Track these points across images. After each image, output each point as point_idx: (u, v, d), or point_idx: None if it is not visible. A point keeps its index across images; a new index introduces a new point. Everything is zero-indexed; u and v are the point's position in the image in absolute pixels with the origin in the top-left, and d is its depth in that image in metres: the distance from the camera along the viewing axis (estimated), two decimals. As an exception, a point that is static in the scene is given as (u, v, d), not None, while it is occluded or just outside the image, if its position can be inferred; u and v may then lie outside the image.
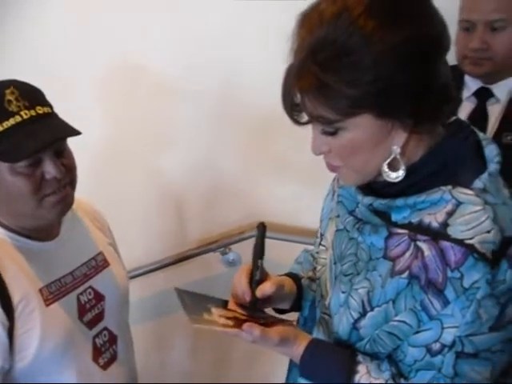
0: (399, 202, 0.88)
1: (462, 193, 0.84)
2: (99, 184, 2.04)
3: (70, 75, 2.08)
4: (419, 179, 0.89)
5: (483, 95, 1.63)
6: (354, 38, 0.78)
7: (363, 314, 0.91)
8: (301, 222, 2.10)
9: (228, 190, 2.19)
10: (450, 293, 0.81)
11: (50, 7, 2.05)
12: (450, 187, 0.85)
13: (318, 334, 1.02)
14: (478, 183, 0.85)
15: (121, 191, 2.21)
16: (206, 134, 2.13)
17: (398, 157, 0.87)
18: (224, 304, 1.05)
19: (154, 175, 2.21)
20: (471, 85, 1.65)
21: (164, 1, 1.99)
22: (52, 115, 1.16)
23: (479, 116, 1.63)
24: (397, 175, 0.88)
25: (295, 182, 2.08)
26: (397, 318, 0.87)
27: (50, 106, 1.17)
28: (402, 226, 0.88)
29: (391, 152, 0.87)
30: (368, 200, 0.93)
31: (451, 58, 1.67)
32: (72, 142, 1.20)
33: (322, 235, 1.14)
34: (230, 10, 1.94)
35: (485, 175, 0.86)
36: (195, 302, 1.03)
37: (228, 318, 0.97)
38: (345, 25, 0.79)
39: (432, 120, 0.86)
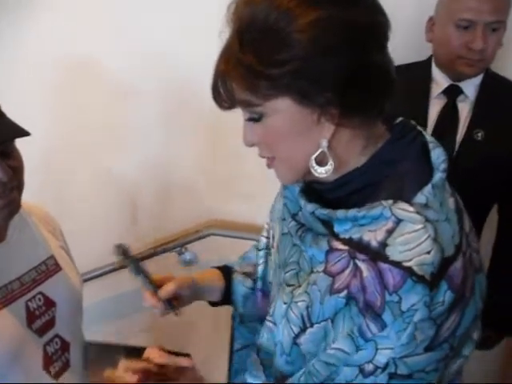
0: (340, 214, 0.84)
1: (403, 209, 0.79)
2: (48, 185, 1.99)
3: (19, 74, 2.00)
4: (359, 188, 0.86)
5: (453, 92, 1.62)
6: (274, 15, 0.76)
7: (303, 329, 0.87)
8: (256, 219, 2.06)
9: (182, 189, 2.16)
10: (387, 316, 0.77)
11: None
12: (390, 202, 0.80)
13: (263, 339, 0.97)
14: (421, 197, 0.80)
15: (72, 192, 2.15)
16: (158, 132, 2.09)
17: (326, 150, 0.83)
18: (137, 353, 1.00)
19: (106, 175, 2.16)
20: (440, 81, 1.63)
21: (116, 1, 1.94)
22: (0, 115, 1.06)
23: (450, 113, 1.62)
24: (325, 170, 0.84)
25: (251, 179, 2.05)
26: (334, 346, 0.82)
27: None
28: (343, 241, 0.84)
29: (318, 145, 0.83)
30: (310, 207, 0.90)
31: (423, 53, 1.69)
32: (20, 142, 1.10)
33: (273, 237, 1.10)
34: (182, 9, 1.91)
35: (428, 188, 0.81)
36: (102, 354, 0.99)
37: (135, 372, 0.95)
38: (267, 2, 0.77)
39: (361, 112, 0.82)
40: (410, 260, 0.76)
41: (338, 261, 0.83)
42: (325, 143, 0.82)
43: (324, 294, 0.83)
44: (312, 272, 0.88)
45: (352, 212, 0.82)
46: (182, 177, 2.14)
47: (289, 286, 0.93)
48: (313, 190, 0.93)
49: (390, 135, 0.87)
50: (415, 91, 1.65)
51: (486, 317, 1.70)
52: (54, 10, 1.95)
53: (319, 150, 0.83)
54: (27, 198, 1.17)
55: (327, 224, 0.87)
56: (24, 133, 1.05)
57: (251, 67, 0.78)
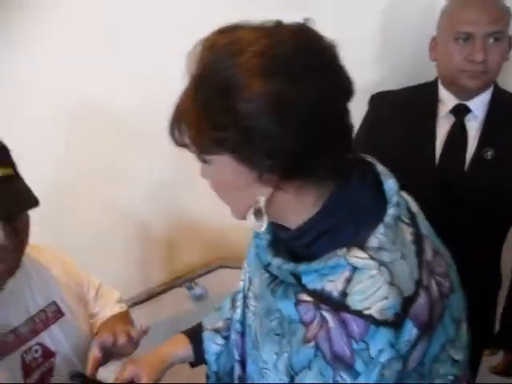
0: (302, 268, 0.85)
1: (357, 257, 0.80)
2: (55, 223, 1.90)
3: (18, 111, 1.93)
4: (316, 237, 0.86)
5: (460, 112, 1.60)
6: (229, 77, 0.76)
7: (292, 378, 0.88)
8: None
9: (191, 222, 2.13)
10: (359, 365, 0.78)
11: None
12: (344, 251, 0.81)
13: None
14: (373, 240, 0.81)
15: (75, 229, 2.06)
16: (165, 164, 2.05)
17: (262, 208, 0.84)
18: None
19: (112, 210, 2.10)
20: (447, 101, 1.61)
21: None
22: (13, 178, 1.03)
23: (458, 133, 1.59)
24: (259, 225, 0.85)
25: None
26: None
27: (12, 166, 1.05)
28: (308, 292, 0.85)
29: (257, 201, 0.84)
30: (277, 262, 0.91)
31: (427, 74, 1.67)
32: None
33: (250, 280, 1.09)
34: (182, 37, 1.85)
35: (380, 229, 0.82)
36: None
37: None
38: (228, 59, 0.76)
39: (302, 178, 0.82)
40: (370, 308, 0.78)
41: (307, 312, 0.84)
42: (262, 202, 0.83)
43: (299, 344, 0.85)
44: (291, 321, 0.88)
45: (313, 265, 0.83)
46: (191, 209, 2.11)
47: (276, 335, 0.92)
48: (276, 237, 0.95)
49: (339, 179, 0.86)
50: (422, 112, 1.63)
51: (503, 340, 1.71)
52: (50, 45, 1.91)
53: (257, 205, 0.84)
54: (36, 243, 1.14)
55: (295, 276, 0.87)
56: (34, 202, 1.03)
57: (198, 122, 0.79)
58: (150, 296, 2.07)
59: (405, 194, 0.94)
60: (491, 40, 1.49)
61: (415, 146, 1.61)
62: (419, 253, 0.85)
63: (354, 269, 0.80)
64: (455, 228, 1.51)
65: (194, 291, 2.11)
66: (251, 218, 0.85)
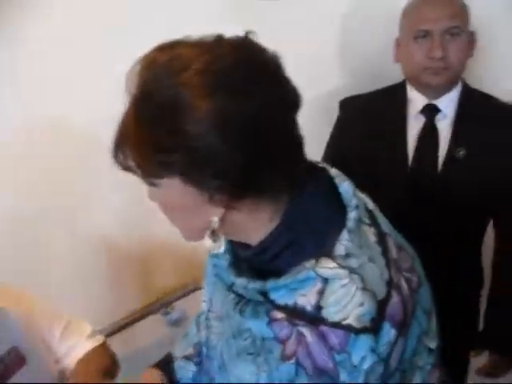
0: (270, 285, 0.83)
1: (326, 267, 0.80)
2: (22, 252, 1.83)
3: None
4: (278, 252, 0.84)
5: (430, 112, 1.59)
6: (172, 96, 0.73)
7: None
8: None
9: (165, 245, 2.05)
10: (343, 375, 0.78)
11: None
12: (313, 262, 0.80)
13: None
14: (340, 248, 0.81)
15: (47, 257, 1.97)
16: (136, 188, 1.97)
17: (216, 229, 0.82)
18: None
19: (83, 238, 2.01)
20: (416, 101, 1.61)
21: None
22: None
23: (429, 133, 1.59)
24: (217, 246, 0.84)
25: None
26: None
27: None
28: (280, 309, 0.83)
29: (210, 222, 0.82)
30: (241, 282, 0.88)
31: (393, 77, 1.67)
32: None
33: (210, 300, 1.07)
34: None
35: (344, 236, 0.81)
36: None
37: None
38: (170, 78, 0.74)
39: (253, 196, 0.81)
40: (347, 317, 0.77)
41: (281, 329, 0.82)
42: (216, 223, 0.81)
43: (279, 361, 0.83)
44: (264, 339, 0.86)
45: (281, 281, 0.81)
46: (162, 230, 2.04)
47: (249, 354, 0.90)
48: (236, 256, 0.93)
49: (293, 191, 0.84)
50: (392, 114, 1.63)
51: (487, 339, 1.69)
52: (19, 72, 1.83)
53: (211, 227, 0.82)
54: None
55: (263, 293, 0.85)
56: None
57: (142, 145, 0.76)
58: (126, 324, 1.99)
59: (359, 193, 0.92)
60: (449, 36, 1.50)
61: (387, 148, 1.61)
62: (385, 252, 0.85)
63: (325, 280, 0.79)
64: (430, 229, 1.54)
65: (170, 316, 2.02)
66: (208, 240, 0.83)
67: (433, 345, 0.92)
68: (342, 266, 0.79)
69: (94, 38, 1.74)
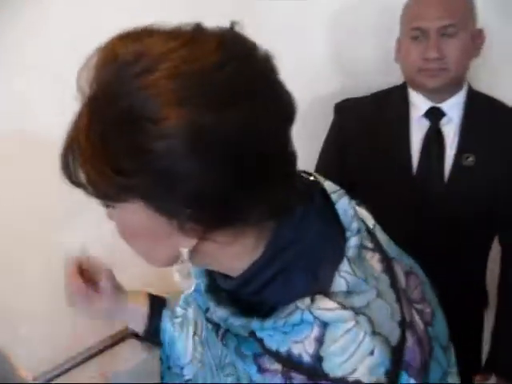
0: (255, 325, 0.69)
1: (324, 309, 0.65)
2: None
3: None
4: (264, 283, 0.70)
5: (435, 115, 1.49)
6: (132, 104, 0.57)
7: None
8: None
9: (138, 265, 1.93)
10: None
11: None
12: (308, 302, 0.66)
13: None
14: (340, 283, 0.66)
15: (20, 281, 1.81)
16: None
17: (187, 262, 0.67)
18: None
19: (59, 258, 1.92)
20: (419, 104, 1.51)
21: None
22: None
23: (434, 139, 1.49)
24: (187, 285, 0.70)
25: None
26: None
27: None
28: (270, 353, 0.69)
29: (179, 254, 0.67)
30: (222, 314, 0.74)
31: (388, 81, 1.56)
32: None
33: (196, 324, 0.95)
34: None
35: (344, 267, 0.67)
36: None
37: None
38: (134, 81, 0.57)
39: (230, 226, 0.65)
40: (355, 371, 0.63)
41: (275, 380, 0.68)
42: (185, 254, 0.66)
43: None
44: (252, 380, 0.72)
45: (269, 322, 0.68)
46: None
47: None
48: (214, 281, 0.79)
49: (281, 215, 0.70)
50: (394, 117, 1.54)
51: (495, 363, 1.58)
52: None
53: (179, 260, 0.68)
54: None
55: (248, 330, 0.71)
56: None
57: (97, 163, 0.60)
58: (105, 347, 1.87)
59: (359, 209, 0.78)
60: (446, 35, 1.41)
61: (389, 153, 1.51)
62: (393, 283, 0.71)
63: (324, 324, 0.65)
64: (435, 240, 1.46)
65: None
66: (176, 276, 0.69)
67: (453, 379, 0.77)
68: (344, 307, 0.65)
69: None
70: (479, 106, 1.50)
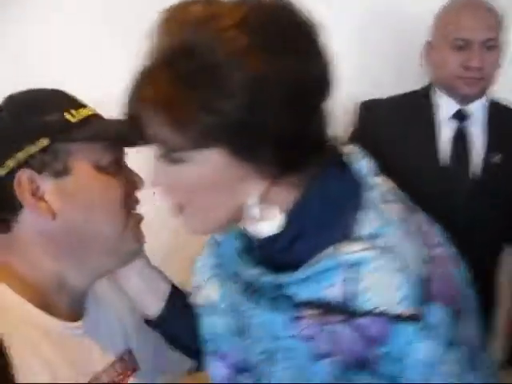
0: (285, 278, 0.73)
1: (350, 251, 0.69)
2: None
3: None
4: (289, 243, 0.74)
5: (461, 117, 1.55)
6: (218, 52, 0.64)
7: None
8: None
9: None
10: (386, 369, 0.69)
11: None
12: (332, 249, 0.70)
13: None
14: (364, 228, 0.70)
15: None
16: None
17: (254, 207, 0.71)
18: None
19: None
20: (446, 106, 1.57)
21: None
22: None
23: (462, 139, 1.55)
24: (270, 225, 0.73)
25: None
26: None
27: None
28: (302, 305, 0.73)
29: (244, 201, 0.71)
30: (254, 273, 0.77)
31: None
32: None
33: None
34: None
35: (366, 214, 0.71)
36: None
37: None
38: (209, 34, 0.64)
39: (297, 171, 0.71)
40: (386, 304, 0.68)
41: (307, 327, 0.72)
42: (255, 199, 0.70)
43: (307, 363, 0.73)
44: (279, 338, 0.75)
45: (298, 274, 0.71)
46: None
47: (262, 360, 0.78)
48: (249, 241, 0.81)
49: (310, 176, 0.74)
50: (420, 118, 1.58)
51: None
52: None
53: (248, 206, 0.71)
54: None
55: (278, 287, 0.75)
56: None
57: (183, 108, 0.64)
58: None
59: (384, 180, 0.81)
60: (487, 47, 1.49)
61: (416, 153, 1.54)
62: (419, 227, 0.75)
63: (352, 265, 0.69)
64: (463, 238, 1.44)
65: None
66: (255, 224, 0.72)
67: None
68: (368, 248, 0.69)
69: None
70: (501, 108, 1.59)
